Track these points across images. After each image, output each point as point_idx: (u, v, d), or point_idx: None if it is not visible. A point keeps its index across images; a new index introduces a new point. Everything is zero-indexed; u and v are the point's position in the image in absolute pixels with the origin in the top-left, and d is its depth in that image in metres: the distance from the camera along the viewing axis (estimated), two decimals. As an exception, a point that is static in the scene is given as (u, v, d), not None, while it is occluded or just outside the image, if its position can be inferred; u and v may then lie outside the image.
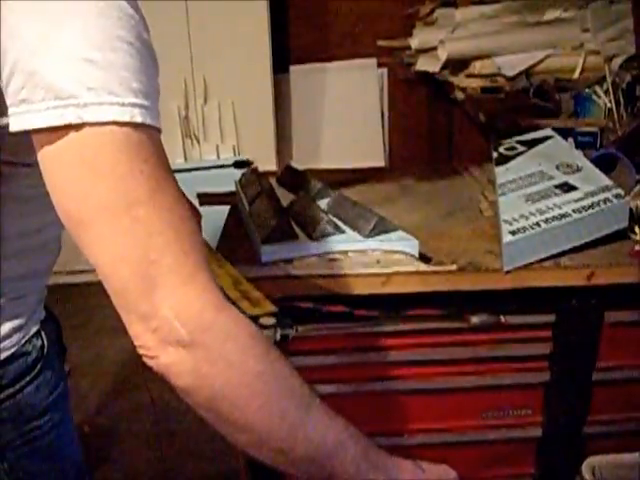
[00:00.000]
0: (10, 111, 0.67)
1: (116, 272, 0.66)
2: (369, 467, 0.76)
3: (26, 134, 0.67)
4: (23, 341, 0.92)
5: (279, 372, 0.72)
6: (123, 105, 0.65)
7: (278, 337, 0.87)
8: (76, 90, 0.64)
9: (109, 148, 0.65)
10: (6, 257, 0.85)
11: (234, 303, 0.93)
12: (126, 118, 0.65)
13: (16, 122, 0.66)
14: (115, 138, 0.65)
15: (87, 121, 0.64)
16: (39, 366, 0.94)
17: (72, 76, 0.64)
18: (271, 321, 0.88)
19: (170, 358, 0.67)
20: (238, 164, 1.97)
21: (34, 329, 0.94)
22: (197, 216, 1.29)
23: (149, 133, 0.67)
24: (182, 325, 0.66)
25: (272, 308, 0.92)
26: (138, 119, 0.65)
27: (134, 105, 0.65)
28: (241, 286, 1.00)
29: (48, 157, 0.66)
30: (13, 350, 0.90)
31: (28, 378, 0.93)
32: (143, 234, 0.66)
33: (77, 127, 0.64)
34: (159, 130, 0.69)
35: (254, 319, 0.88)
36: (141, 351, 0.68)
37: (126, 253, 0.66)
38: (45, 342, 0.96)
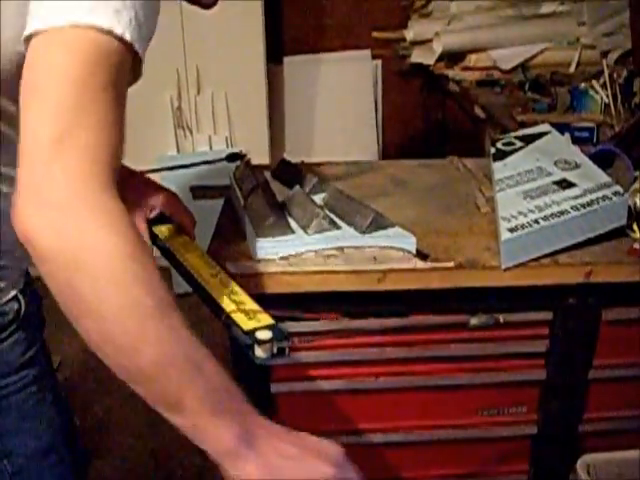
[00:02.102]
0: (30, 21, 0.74)
1: (38, 131, 0.70)
2: (225, 407, 0.73)
3: None
4: (1, 302, 1.01)
5: (145, 262, 0.71)
6: (119, 22, 0.72)
7: (275, 350, 0.85)
8: (81, 3, 0.71)
9: (91, 40, 0.71)
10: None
11: (229, 315, 0.92)
12: (118, 31, 0.72)
13: (30, 27, 0.73)
14: (100, 39, 0.71)
15: (82, 23, 0.71)
16: (14, 326, 1.03)
17: None
18: (268, 334, 0.86)
19: (42, 220, 0.68)
20: (231, 157, 1.95)
21: (12, 293, 1.03)
22: (191, 220, 1.28)
23: (129, 55, 0.74)
24: (67, 189, 0.68)
25: (269, 321, 0.90)
26: (127, 36, 0.72)
27: (129, 25, 0.73)
28: (236, 296, 0.98)
29: (36, 43, 0.73)
30: None
31: (3, 335, 1.02)
32: (79, 111, 0.70)
33: (73, 27, 0.71)
34: (140, 62, 0.77)
35: (250, 333, 0.86)
36: (16, 216, 0.70)
37: (56, 117, 0.69)
38: (22, 306, 1.04)
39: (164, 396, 0.72)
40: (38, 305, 1.13)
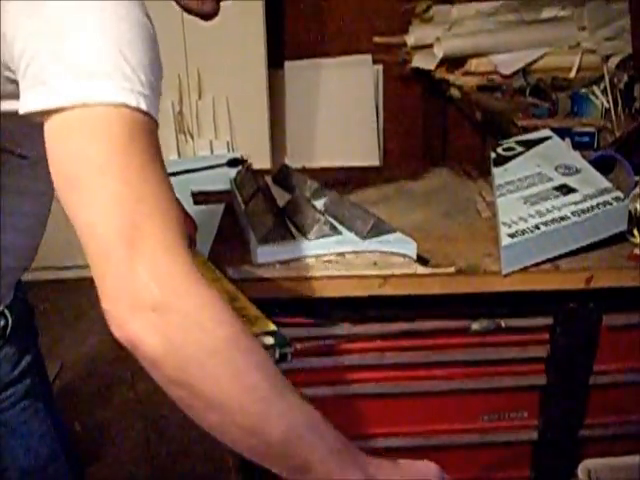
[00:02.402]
0: (25, 93, 0.71)
1: (100, 232, 0.68)
2: (346, 460, 0.73)
3: (24, 118, 0.71)
4: None
5: (252, 345, 0.71)
6: (132, 91, 0.70)
7: (277, 356, 0.85)
8: (91, 75, 0.69)
9: (114, 121, 0.69)
10: None
11: None
12: (133, 103, 0.70)
13: (30, 102, 0.70)
14: (120, 116, 0.70)
15: (97, 101, 0.69)
16: (0, 342, 1.02)
17: (89, 63, 0.69)
18: (270, 340, 0.86)
19: (141, 324, 0.66)
20: (232, 162, 1.95)
21: None
22: (192, 225, 1.29)
23: (149, 121, 0.72)
24: (157, 287, 0.66)
25: (271, 327, 0.90)
26: (143, 106, 0.70)
27: (140, 94, 0.70)
28: (238, 303, 0.98)
29: (54, 127, 0.70)
30: None
31: None
32: (132, 198, 0.68)
33: (87, 106, 0.69)
34: (157, 123, 0.74)
35: None
36: (111, 321, 0.67)
37: (113, 213, 0.67)
38: (9, 322, 1.02)
39: (293, 465, 0.72)
40: (29, 315, 1.11)
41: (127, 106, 0.69)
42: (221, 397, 0.68)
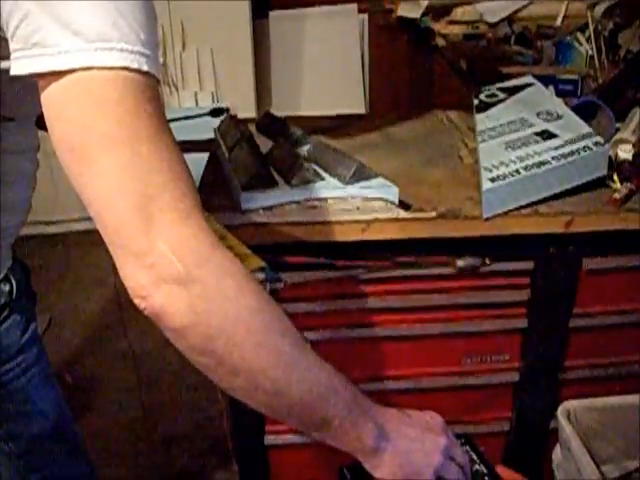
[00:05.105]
0: (18, 54, 0.67)
1: (114, 206, 0.66)
2: (359, 412, 0.76)
3: (18, 79, 0.68)
4: None
5: (274, 310, 0.72)
6: (132, 52, 0.67)
7: (268, 291, 0.87)
8: (89, 35, 0.65)
9: (116, 87, 0.67)
10: None
11: None
12: (134, 65, 0.67)
13: (25, 65, 0.67)
14: (122, 80, 0.67)
15: (97, 65, 0.66)
16: (7, 310, 0.99)
17: (85, 22, 0.66)
18: (260, 276, 0.87)
19: (165, 296, 0.66)
20: (215, 112, 1.95)
21: (1, 275, 0.98)
22: None
23: (152, 81, 0.69)
24: (179, 260, 0.66)
25: (261, 263, 0.91)
26: (144, 67, 0.67)
27: (141, 54, 0.67)
28: (226, 242, 0.99)
29: (54, 93, 0.67)
30: None
31: None
32: (143, 170, 0.66)
33: (87, 69, 0.66)
34: (159, 81, 0.71)
35: None
36: (133, 293, 0.68)
37: (126, 186, 0.66)
38: (14, 287, 1.00)
39: (312, 422, 0.75)
40: (27, 278, 1.08)
41: (128, 69, 0.66)
42: (246, 363, 0.69)
